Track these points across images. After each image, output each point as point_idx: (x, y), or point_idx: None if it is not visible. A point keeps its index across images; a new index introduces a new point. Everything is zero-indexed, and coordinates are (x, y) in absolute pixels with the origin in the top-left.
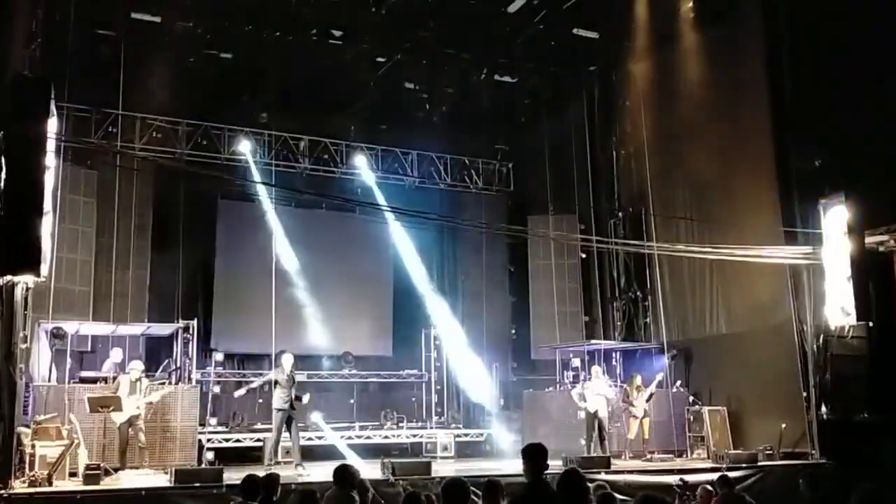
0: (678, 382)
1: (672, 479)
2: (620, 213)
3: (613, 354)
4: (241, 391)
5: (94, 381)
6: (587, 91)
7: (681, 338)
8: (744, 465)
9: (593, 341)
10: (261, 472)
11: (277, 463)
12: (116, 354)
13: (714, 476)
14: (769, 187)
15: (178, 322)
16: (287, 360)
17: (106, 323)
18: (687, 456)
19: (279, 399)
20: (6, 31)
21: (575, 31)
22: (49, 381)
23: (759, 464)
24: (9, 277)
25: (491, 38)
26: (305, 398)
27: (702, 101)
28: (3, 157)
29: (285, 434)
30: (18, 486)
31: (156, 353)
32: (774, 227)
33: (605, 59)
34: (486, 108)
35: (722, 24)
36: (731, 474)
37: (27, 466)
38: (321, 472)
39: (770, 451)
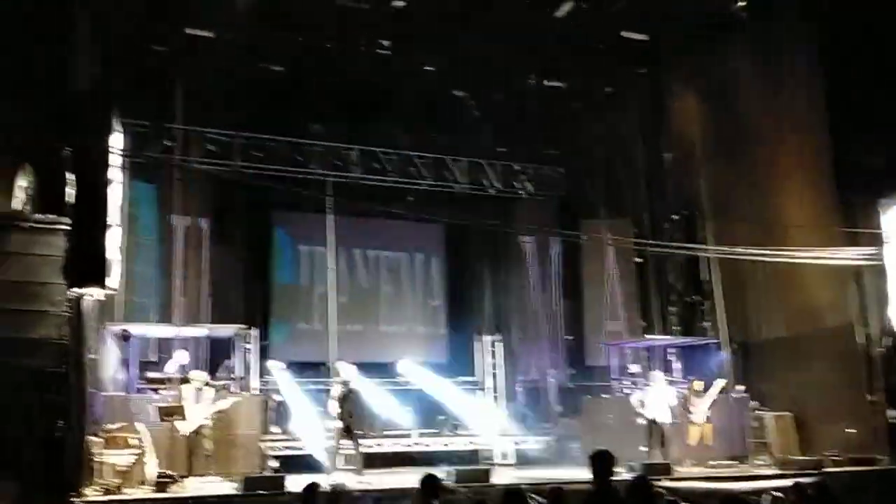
0: (740, 387)
1: (737, 486)
2: (674, 216)
3: (671, 356)
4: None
5: (160, 381)
6: (637, 93)
7: (739, 340)
8: (810, 471)
9: (649, 336)
10: (323, 480)
11: (338, 471)
12: (181, 356)
13: (779, 483)
14: (827, 186)
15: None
16: (344, 369)
17: (169, 325)
18: (750, 462)
19: (336, 407)
20: (70, 51)
21: (623, 33)
22: (115, 383)
23: (826, 470)
24: (77, 290)
25: (539, 43)
26: (365, 406)
27: (755, 99)
28: (71, 174)
29: (346, 442)
30: (90, 495)
31: (217, 360)
32: (833, 227)
33: (655, 60)
34: (535, 112)
35: (774, 20)
36: (806, 481)
37: (98, 475)
38: (382, 480)
39: (837, 457)
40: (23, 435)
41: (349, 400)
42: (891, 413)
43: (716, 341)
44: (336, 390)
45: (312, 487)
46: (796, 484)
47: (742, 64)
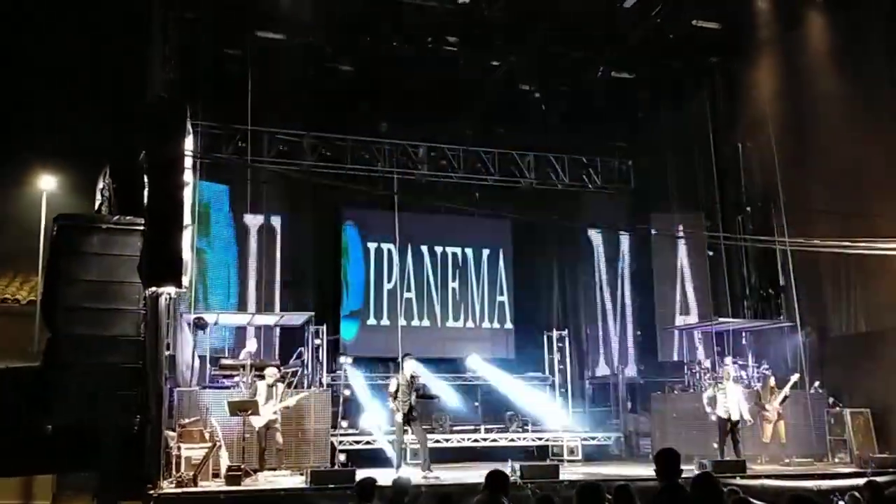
0: (816, 384)
1: (811, 484)
2: (748, 208)
3: (744, 342)
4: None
5: (233, 367)
6: (709, 83)
7: (820, 337)
8: (889, 469)
9: (722, 319)
10: (389, 476)
11: (405, 466)
12: (252, 344)
13: (854, 482)
14: None
15: (307, 313)
16: (408, 365)
17: (242, 314)
18: (828, 460)
19: (399, 403)
20: (145, 55)
21: (694, 22)
22: (190, 373)
23: None
24: (154, 289)
25: (606, 34)
26: (437, 397)
27: (831, 87)
28: (146, 177)
29: (411, 437)
30: (166, 487)
31: (288, 350)
32: None
33: (727, 49)
34: (603, 105)
35: (850, 5)
36: (881, 479)
37: (173, 468)
38: (448, 476)
39: None
40: (103, 429)
41: (410, 395)
42: None
43: (790, 324)
44: (398, 385)
45: (366, 483)
46: (869, 482)
47: (817, 52)
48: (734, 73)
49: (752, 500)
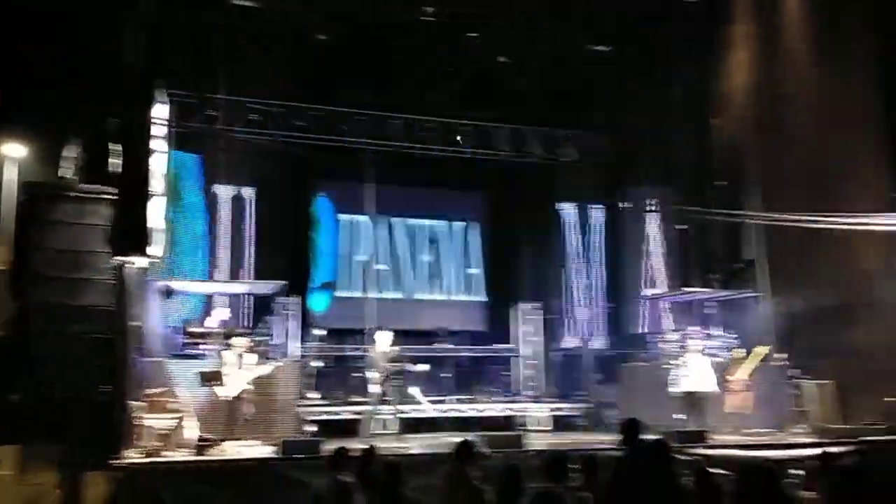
0: (783, 356)
1: (772, 454)
2: (720, 182)
3: (710, 310)
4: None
5: (201, 335)
6: (684, 58)
7: (786, 310)
8: (848, 439)
9: (688, 289)
10: (357, 445)
11: (375, 435)
12: (223, 312)
13: (814, 451)
14: (879, 152)
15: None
16: (383, 336)
17: (212, 282)
18: (791, 431)
19: (374, 374)
20: (114, 22)
21: None
22: (158, 340)
23: (865, 439)
24: (121, 258)
25: (584, 7)
26: (419, 367)
27: (806, 63)
28: (116, 144)
29: (384, 407)
30: (131, 457)
31: (258, 321)
32: (884, 193)
33: (704, 23)
34: (579, 79)
35: None
36: (833, 450)
37: (139, 438)
38: (419, 445)
39: (878, 426)
40: (70, 399)
41: (389, 367)
42: None
43: (756, 295)
44: (375, 356)
45: (341, 452)
46: (824, 452)
47: (794, 28)
48: (709, 48)
49: (713, 469)
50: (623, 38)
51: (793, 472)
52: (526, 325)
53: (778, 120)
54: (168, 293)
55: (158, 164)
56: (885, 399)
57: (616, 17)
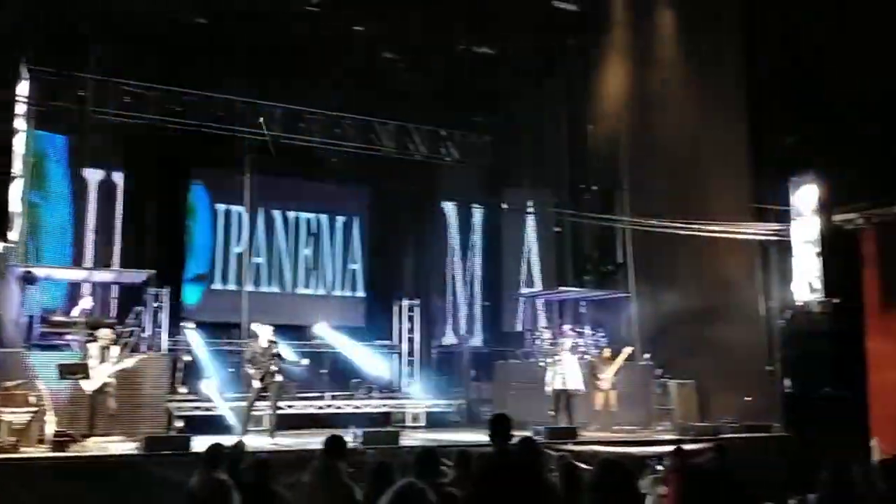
0: (646, 355)
1: (635, 450)
2: (594, 187)
3: (583, 312)
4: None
5: (64, 325)
6: (565, 64)
7: (652, 312)
8: (708, 436)
9: (563, 288)
10: (230, 442)
11: (249, 432)
12: (87, 302)
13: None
14: (741, 163)
15: (148, 271)
16: (264, 331)
17: (77, 269)
18: (653, 428)
19: (254, 370)
20: None
21: (554, 2)
22: (16, 330)
23: (723, 436)
24: None
25: (470, 9)
26: (304, 361)
27: (677, 75)
28: None
29: (261, 403)
30: None
31: (125, 312)
32: (745, 203)
33: (584, 32)
34: (464, 79)
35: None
36: (689, 447)
37: None
38: (292, 442)
39: (735, 424)
40: None
41: (266, 363)
42: (786, 383)
43: (626, 295)
44: (253, 352)
45: (216, 448)
46: (678, 448)
47: (666, 41)
48: (589, 56)
49: (579, 464)
50: (508, 43)
51: (658, 468)
52: (406, 321)
53: (649, 128)
54: (29, 280)
55: (18, 144)
56: (744, 399)
57: (503, 23)
